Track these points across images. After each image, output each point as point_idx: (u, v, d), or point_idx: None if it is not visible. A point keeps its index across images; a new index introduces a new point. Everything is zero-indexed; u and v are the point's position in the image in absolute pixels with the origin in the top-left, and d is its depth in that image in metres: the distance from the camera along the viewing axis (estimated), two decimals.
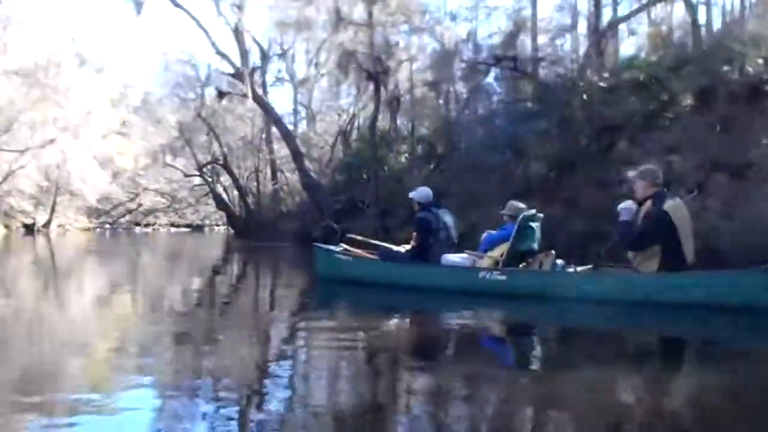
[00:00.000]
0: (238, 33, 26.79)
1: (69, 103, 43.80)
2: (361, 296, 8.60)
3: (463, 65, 20.83)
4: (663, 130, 16.10)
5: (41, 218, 48.40)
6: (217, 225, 62.64)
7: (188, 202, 59.50)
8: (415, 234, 8.92)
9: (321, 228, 25.17)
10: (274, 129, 36.09)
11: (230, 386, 3.90)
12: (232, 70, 28.40)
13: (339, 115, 30.36)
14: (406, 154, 27.48)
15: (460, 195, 19.73)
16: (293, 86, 37.48)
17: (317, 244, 10.77)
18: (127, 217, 60.67)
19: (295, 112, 35.32)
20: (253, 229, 34.93)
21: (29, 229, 46.20)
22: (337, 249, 9.71)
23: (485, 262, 8.11)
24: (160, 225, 61.18)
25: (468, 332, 6.12)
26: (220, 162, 36.36)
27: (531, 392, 3.87)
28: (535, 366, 4.80)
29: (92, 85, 50.51)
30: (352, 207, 25.19)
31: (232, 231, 50.36)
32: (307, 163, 26.37)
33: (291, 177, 32.67)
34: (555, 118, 16.70)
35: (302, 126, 37.68)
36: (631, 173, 7.36)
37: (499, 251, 8.07)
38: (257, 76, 28.24)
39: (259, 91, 29.24)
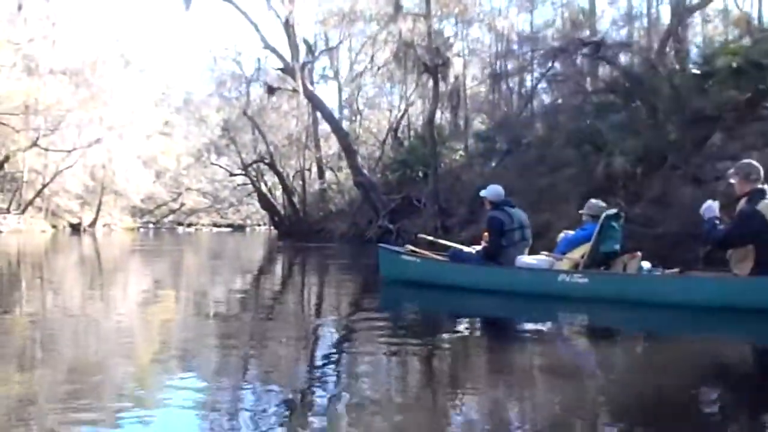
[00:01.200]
0: (288, 26, 25.65)
1: (114, 103, 43.60)
2: (429, 300, 8.06)
3: (531, 53, 19.25)
4: (764, 121, 14.54)
5: (87, 218, 48.34)
6: (259, 225, 62.03)
7: (230, 202, 58.93)
8: (486, 234, 8.28)
9: (375, 228, 23.98)
10: (320, 126, 35.27)
11: (277, 391, 3.75)
12: (280, 65, 27.22)
13: (390, 110, 28.97)
14: (461, 152, 26.12)
15: (528, 192, 18.25)
16: (338, 83, 36.43)
17: (382, 245, 10.15)
18: (170, 217, 60.40)
19: (342, 108, 33.95)
20: (299, 230, 33.92)
21: (75, 228, 46.12)
22: (403, 250, 9.22)
23: (564, 264, 7.53)
24: (202, 225, 60.79)
25: (544, 340, 5.62)
26: (267, 161, 35.29)
27: (611, 406, 3.51)
28: (616, 377, 4.31)
29: (136, 86, 50.50)
30: (408, 206, 23.91)
31: (274, 231, 49.97)
32: (359, 160, 25.10)
33: (339, 176, 31.45)
34: (640, 109, 15.10)
35: (345, 125, 36.70)
36: (731, 170, 6.62)
37: (579, 252, 7.49)
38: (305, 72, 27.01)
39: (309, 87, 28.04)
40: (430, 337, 5.59)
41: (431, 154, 22.59)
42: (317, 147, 33.63)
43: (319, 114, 30.16)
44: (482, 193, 8.59)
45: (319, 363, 4.63)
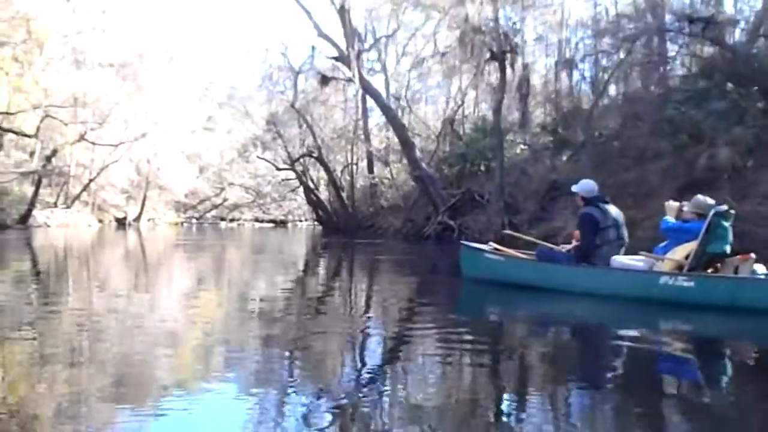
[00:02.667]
0: (343, 13, 24.21)
1: (159, 98, 42.98)
2: (512, 302, 7.54)
3: (623, 34, 17.42)
4: None
5: (132, 212, 47.87)
6: (300, 221, 60.95)
7: (272, 197, 57.90)
8: (578, 232, 7.77)
9: (435, 224, 22.46)
10: (370, 120, 33.90)
11: (321, 394, 3.53)
12: (334, 54, 25.77)
13: (447, 101, 27.34)
14: (522, 144, 24.40)
15: (607, 187, 16.50)
16: (385, 76, 34.90)
17: (464, 241, 9.59)
18: (213, 212, 59.72)
19: (389, 101, 32.18)
20: (347, 225, 32.60)
21: (121, 222, 45.75)
22: (487, 247, 8.72)
23: (666, 265, 6.92)
24: (244, 220, 59.97)
25: (642, 351, 5.06)
26: (315, 155, 33.93)
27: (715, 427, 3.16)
28: (722, 394, 3.83)
29: (180, 81, 49.98)
30: (469, 202, 22.32)
31: (318, 227, 48.86)
32: (418, 153, 23.54)
33: (390, 170, 29.93)
34: (753, 95, 13.28)
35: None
36: None
37: (683, 253, 6.84)
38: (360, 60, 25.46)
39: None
40: (510, 342, 5.30)
41: (497, 146, 20.95)
42: (367, 140, 32.11)
43: (369, 105, 28.74)
44: (574, 188, 7.93)
45: (373, 365, 4.36)
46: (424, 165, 23.49)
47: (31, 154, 38.00)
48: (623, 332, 5.70)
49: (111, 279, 10.16)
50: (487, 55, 20.21)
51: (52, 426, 2.96)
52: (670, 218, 7.19)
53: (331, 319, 6.27)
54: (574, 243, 7.87)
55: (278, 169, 39.31)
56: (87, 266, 12.40)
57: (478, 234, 21.23)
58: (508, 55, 19.69)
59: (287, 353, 4.63)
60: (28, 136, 30.82)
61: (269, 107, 41.38)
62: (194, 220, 57.00)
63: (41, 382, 3.65)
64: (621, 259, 7.36)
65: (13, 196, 35.57)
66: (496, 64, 20.65)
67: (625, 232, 7.75)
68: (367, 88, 24.04)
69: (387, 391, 3.69)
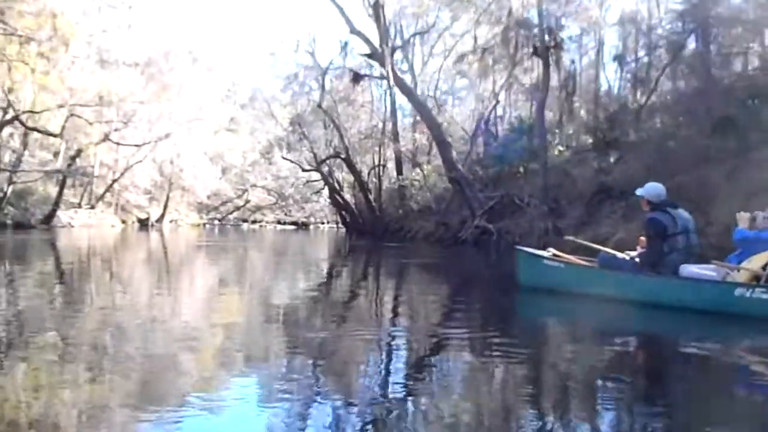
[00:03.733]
0: (377, 8, 23.18)
1: (182, 99, 42.40)
2: (572, 311, 7.18)
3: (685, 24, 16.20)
4: None
5: (155, 213, 47.32)
6: (322, 223, 60.14)
7: (294, 199, 57.11)
8: (644, 239, 7.32)
9: (471, 228, 21.34)
10: (399, 119, 32.85)
11: (346, 405, 3.44)
12: (364, 52, 24.77)
13: (483, 101, 26.22)
14: (559, 146, 23.19)
15: None
16: (412, 76, 33.83)
17: (520, 247, 9.06)
18: (235, 214, 59.02)
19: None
20: (374, 228, 31.59)
21: (144, 223, 45.26)
22: (545, 253, 8.24)
23: (741, 275, 6.41)
24: (266, 222, 59.20)
25: (715, 368, 4.57)
26: (342, 156, 32.93)
27: None
28: None
29: (203, 82, 49.47)
30: (508, 205, 21.18)
31: (342, 229, 47.96)
32: (454, 154, 22.43)
33: (421, 172, 28.81)
34: None
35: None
36: None
37: (760, 262, 6.32)
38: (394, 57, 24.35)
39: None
40: (569, 355, 5.02)
41: (540, 147, 19.77)
42: (396, 140, 31.03)
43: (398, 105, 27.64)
44: (639, 191, 7.39)
45: (402, 376, 4.18)
46: (459, 166, 22.36)
47: (56, 154, 37.56)
48: (695, 348, 5.26)
49: (134, 281, 10.05)
50: (530, 51, 19.04)
51: (72, 429, 2.94)
52: (744, 227, 6.71)
53: (358, 325, 6.06)
54: (639, 250, 7.41)
55: (303, 170, 38.36)
56: (110, 267, 12.25)
57: (519, 238, 20.14)
58: (552, 51, 18.53)
59: (312, 359, 4.50)
60: (53, 135, 30.21)
61: (294, 108, 40.61)
62: (216, 222, 56.36)
63: (64, 385, 3.61)
64: (691, 268, 6.82)
65: (37, 195, 35.21)
66: (538, 60, 19.62)
67: (696, 239, 7.21)
68: (401, 86, 22.96)
69: (413, 402, 3.52)
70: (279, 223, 58.93)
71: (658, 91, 18.86)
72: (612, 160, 19.05)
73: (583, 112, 22.46)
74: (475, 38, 22.73)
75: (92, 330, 5.40)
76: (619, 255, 7.73)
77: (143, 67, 37.59)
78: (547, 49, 18.61)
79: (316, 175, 42.46)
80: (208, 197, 53.01)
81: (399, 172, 31.73)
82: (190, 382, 3.84)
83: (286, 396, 3.55)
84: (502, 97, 27.86)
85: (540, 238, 18.85)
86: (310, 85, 37.88)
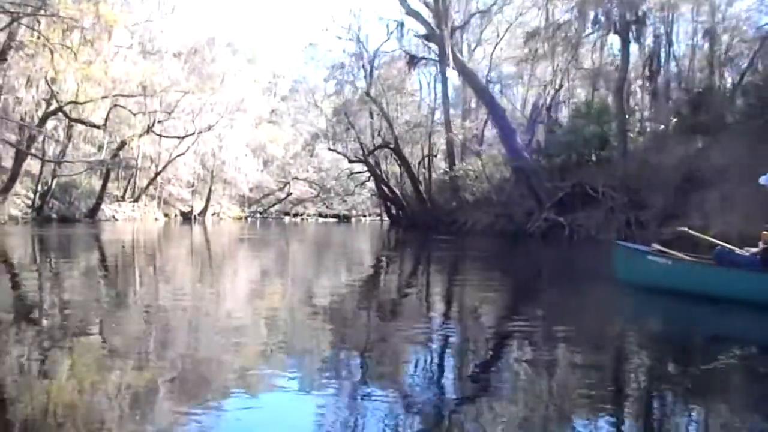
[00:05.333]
0: None
1: (224, 91, 41.42)
2: (682, 313, 6.41)
3: None
4: None
5: (197, 206, 46.61)
6: (364, 216, 58.78)
7: (336, 192, 55.82)
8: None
9: (539, 221, 19.61)
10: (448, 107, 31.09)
11: (392, 403, 3.30)
12: (421, 33, 23.02)
13: (545, 86, 24.28)
14: (637, 131, 21.12)
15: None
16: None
17: (621, 242, 8.71)
18: (277, 207, 57.95)
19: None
20: (424, 221, 29.97)
21: (186, 216, 44.59)
22: (649, 248, 7.64)
23: None
24: (307, 215, 58.02)
25: None
26: (391, 146, 31.34)
27: None
28: None
29: (244, 74, 48.62)
30: (580, 196, 19.34)
31: (386, 222, 46.57)
32: (519, 141, 20.63)
33: (477, 161, 27.02)
34: None
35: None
36: None
37: None
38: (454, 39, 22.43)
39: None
40: (678, 363, 4.43)
41: (620, 133, 17.89)
42: (448, 129, 29.26)
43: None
44: (762, 180, 6.78)
45: (457, 375, 3.95)
46: (525, 154, 20.55)
47: (100, 147, 36.94)
48: None
49: (178, 274, 9.93)
50: (609, 27, 17.13)
51: (119, 421, 2.92)
52: None
53: (413, 321, 5.78)
54: (762, 245, 6.78)
55: (350, 161, 36.86)
56: (154, 261, 12.15)
57: (594, 232, 18.43)
58: (634, 27, 16.61)
59: (357, 355, 4.36)
60: (96, 127, 29.31)
61: (337, 98, 39.26)
62: (258, 215, 55.45)
63: (109, 378, 3.58)
64: None
65: (81, 189, 34.69)
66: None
67: None
68: (461, 69, 21.20)
69: (462, 404, 3.33)
70: (320, 216, 57.78)
71: (753, 68, 16.81)
72: (700, 145, 17.06)
73: (665, 93, 20.28)
74: (548, 14, 20.70)
75: (138, 323, 5.34)
76: (739, 250, 7.08)
77: (187, 55, 36.70)
78: (628, 25, 16.68)
79: (359, 167, 41.26)
80: (250, 190, 52.06)
81: (451, 162, 29.99)
82: (235, 376, 3.78)
83: (331, 391, 3.43)
84: (561, 80, 25.87)
85: (620, 231, 17.14)
86: (355, 74, 36.53)
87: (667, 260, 7.36)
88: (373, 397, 3.38)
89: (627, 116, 19.85)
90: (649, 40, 17.79)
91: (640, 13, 16.54)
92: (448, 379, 3.93)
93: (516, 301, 7.49)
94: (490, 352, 4.61)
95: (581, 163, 20.32)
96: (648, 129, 20.05)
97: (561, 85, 23.80)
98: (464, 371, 4.09)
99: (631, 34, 17.00)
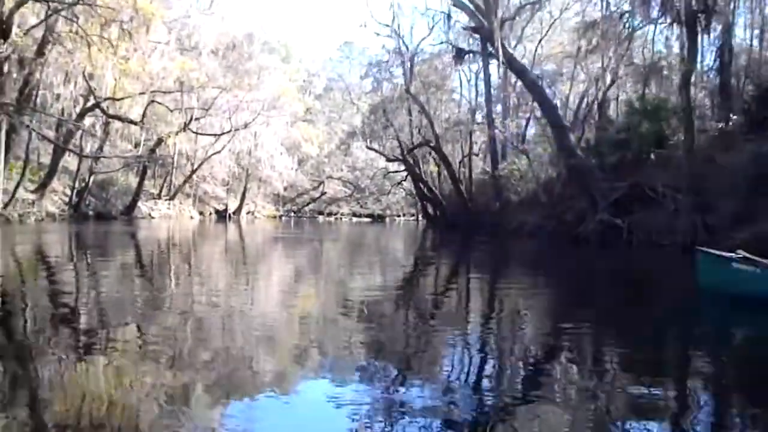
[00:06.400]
0: None
1: (260, 89, 40.86)
2: None
3: None
4: None
5: (231, 204, 46.19)
6: (398, 216, 57.82)
7: (370, 191, 54.96)
8: None
9: (594, 222, 18.38)
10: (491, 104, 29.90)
11: (430, 409, 3.14)
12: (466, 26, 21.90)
13: (596, 80, 22.92)
14: (704, 128, 19.66)
15: None
16: (498, 59, 30.76)
17: (702, 248, 7.77)
18: (311, 206, 57.34)
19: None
20: (465, 221, 28.89)
21: (221, 215, 44.18)
22: (734, 255, 6.97)
23: None
24: (341, 214, 57.29)
25: None
26: (431, 144, 30.28)
27: None
28: None
29: (279, 73, 48.08)
30: (639, 196, 18.04)
31: (422, 222, 45.58)
32: (572, 139, 19.40)
33: (524, 159, 25.80)
34: None
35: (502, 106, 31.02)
36: None
37: None
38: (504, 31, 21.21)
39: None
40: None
41: (687, 129, 16.57)
42: (491, 127, 28.09)
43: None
44: None
45: (495, 383, 3.69)
46: (579, 152, 19.29)
47: (136, 145, 36.63)
48: None
49: (213, 272, 9.75)
50: (675, 16, 15.86)
51: (155, 421, 2.87)
52: None
53: (450, 325, 5.46)
54: None
55: (388, 159, 35.89)
56: (190, 259, 12.00)
57: (655, 236, 17.18)
58: (702, 16, 15.33)
59: (395, 357, 4.17)
60: (133, 123, 28.85)
61: (374, 96, 38.40)
62: (292, 214, 54.89)
63: (146, 376, 3.52)
64: None
65: (118, 186, 34.46)
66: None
67: None
68: (511, 63, 20.05)
69: (505, 412, 3.12)
70: (354, 215, 57.00)
71: None
72: None
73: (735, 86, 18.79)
74: (603, 4, 19.36)
75: (173, 321, 5.26)
76: None
77: (225, 51, 36.26)
78: (696, 14, 15.41)
79: (394, 166, 40.33)
80: (285, 189, 51.49)
81: (493, 161, 28.81)
82: (271, 377, 3.68)
83: (368, 395, 3.31)
84: (614, 75, 24.52)
85: (686, 235, 15.86)
86: (392, 71, 35.59)
87: (754, 268, 6.83)
88: (411, 403, 3.26)
89: (659, 116, 18.46)
90: (716, 33, 16.40)
91: (710, 3, 15.20)
92: (490, 385, 3.72)
93: (571, 306, 6.95)
94: (536, 362, 4.30)
95: (635, 161, 18.99)
96: (712, 126, 18.59)
97: (613, 81, 22.48)
98: (508, 378, 3.87)
99: (698, 25, 15.68)
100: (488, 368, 4.13)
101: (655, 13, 16.55)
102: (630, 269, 12.63)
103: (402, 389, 3.48)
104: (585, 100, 25.97)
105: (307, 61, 64.85)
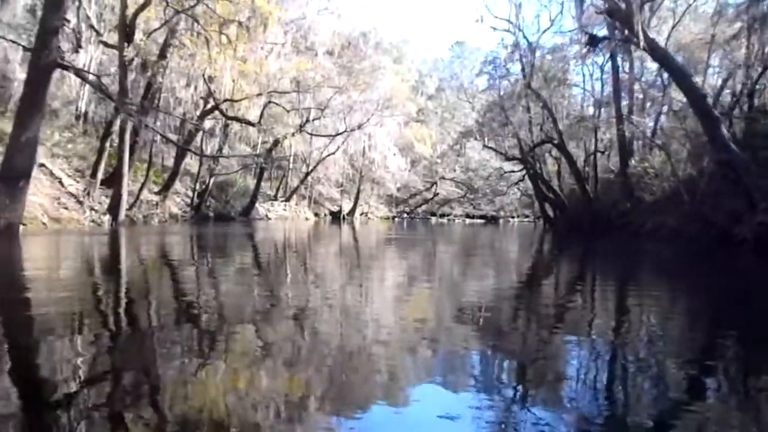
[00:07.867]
0: None
1: (374, 89, 40.34)
2: None
3: None
4: None
5: (345, 206, 46.06)
6: (512, 217, 55.56)
7: (484, 192, 53.11)
8: None
9: (753, 225, 15.87)
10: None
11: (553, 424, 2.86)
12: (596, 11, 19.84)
13: (747, 68, 20.13)
14: None
15: None
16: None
17: None
18: (423, 207, 56.31)
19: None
20: (590, 222, 26.61)
21: (335, 216, 44.08)
22: None
23: None
24: (454, 216, 55.83)
25: None
26: (555, 141, 28.19)
27: None
28: None
29: (392, 73, 47.55)
30: None
31: (539, 224, 43.36)
32: (725, 132, 16.91)
33: (660, 156, 23.30)
34: None
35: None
36: None
37: None
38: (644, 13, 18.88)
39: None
40: None
41: None
42: (620, 122, 25.65)
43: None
44: None
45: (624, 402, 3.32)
46: (733, 146, 16.77)
47: (254, 146, 37.14)
48: None
49: (328, 274, 9.61)
50: None
51: (269, 424, 2.88)
52: None
53: (575, 335, 4.95)
54: None
55: (507, 158, 34.02)
56: (306, 260, 11.92)
57: None
58: None
59: (515, 369, 3.96)
60: (251, 124, 28.93)
61: (489, 94, 36.73)
62: (405, 215, 54.11)
63: (261, 379, 3.53)
64: None
65: (237, 188, 34.95)
66: None
67: None
68: (653, 49, 17.76)
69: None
70: (467, 216, 55.35)
71: None
72: None
73: None
74: None
75: (289, 323, 5.16)
76: None
77: (340, 50, 35.98)
78: None
79: (509, 166, 38.42)
80: (398, 190, 50.85)
81: (623, 158, 26.30)
82: (385, 385, 3.56)
83: (485, 407, 3.11)
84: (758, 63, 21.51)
85: None
86: (508, 68, 33.75)
87: None
88: (536, 421, 2.88)
89: None
90: None
91: None
92: (622, 409, 3.22)
93: (721, 329, 5.53)
94: (675, 380, 3.71)
95: None
96: None
97: (766, 67, 19.56)
98: (637, 396, 3.40)
99: None
100: (618, 387, 3.62)
101: None
102: None
103: (526, 404, 3.22)
104: (727, 90, 23.07)
105: (418, 62, 64.07)
